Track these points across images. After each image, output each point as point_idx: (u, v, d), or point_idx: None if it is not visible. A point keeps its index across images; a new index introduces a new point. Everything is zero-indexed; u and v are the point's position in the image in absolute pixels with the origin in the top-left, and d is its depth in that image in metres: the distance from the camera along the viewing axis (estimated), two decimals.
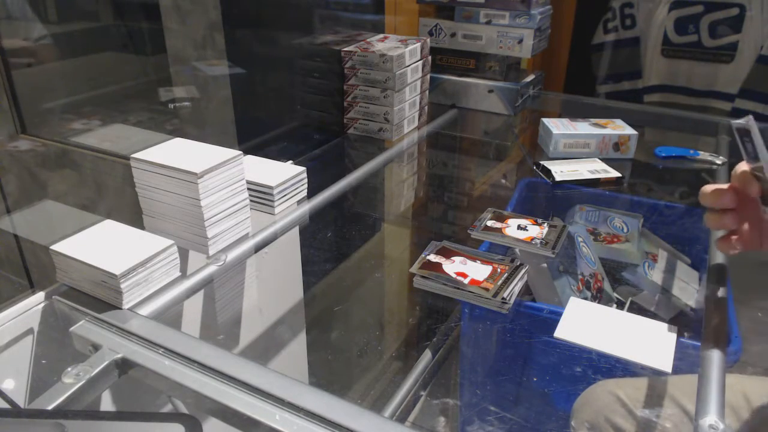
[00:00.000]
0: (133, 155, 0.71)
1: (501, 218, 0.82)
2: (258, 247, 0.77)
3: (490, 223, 0.80)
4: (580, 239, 0.90)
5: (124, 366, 0.56)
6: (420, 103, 1.22)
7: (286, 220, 0.82)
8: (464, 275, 0.70)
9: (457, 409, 0.85)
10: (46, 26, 1.09)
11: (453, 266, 0.72)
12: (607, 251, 1.00)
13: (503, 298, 0.67)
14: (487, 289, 0.68)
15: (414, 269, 0.72)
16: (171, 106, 1.10)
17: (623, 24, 1.71)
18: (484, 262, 0.73)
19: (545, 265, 0.79)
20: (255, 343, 0.97)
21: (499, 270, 0.71)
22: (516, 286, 0.69)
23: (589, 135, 1.12)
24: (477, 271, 0.71)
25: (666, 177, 1.14)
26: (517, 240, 0.77)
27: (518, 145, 1.30)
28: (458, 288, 0.69)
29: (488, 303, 0.68)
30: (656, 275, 0.96)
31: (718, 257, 0.74)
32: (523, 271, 0.72)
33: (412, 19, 1.36)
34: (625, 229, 1.02)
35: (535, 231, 0.78)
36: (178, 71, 1.03)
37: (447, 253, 0.75)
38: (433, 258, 0.74)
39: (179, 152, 0.71)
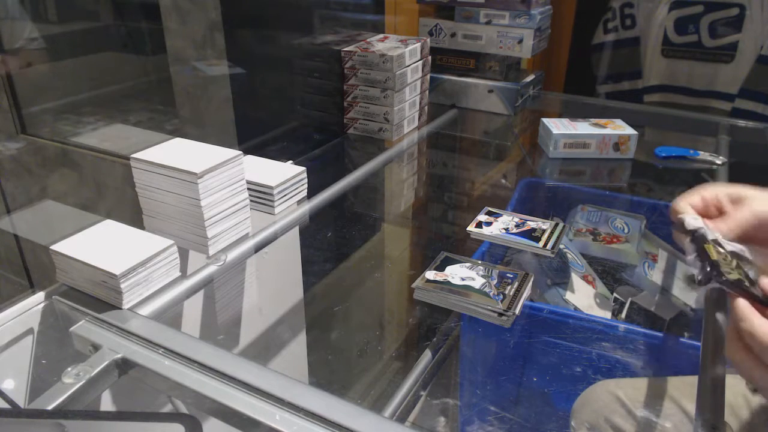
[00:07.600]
0: (133, 155, 0.71)
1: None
2: (258, 247, 0.77)
3: None
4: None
5: (124, 366, 0.56)
6: (420, 103, 1.22)
7: (286, 220, 0.82)
8: (467, 294, 0.69)
9: (457, 409, 0.85)
10: (46, 26, 1.09)
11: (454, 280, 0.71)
12: (606, 251, 0.99)
13: (507, 316, 0.66)
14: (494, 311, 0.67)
15: (417, 284, 0.70)
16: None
17: (623, 24, 1.70)
18: (487, 271, 0.72)
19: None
20: (255, 343, 0.97)
21: (506, 285, 0.70)
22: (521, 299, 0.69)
23: (589, 135, 1.12)
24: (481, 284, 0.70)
25: (666, 177, 1.14)
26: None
27: (518, 145, 1.30)
28: (465, 305, 0.68)
29: (494, 320, 0.67)
30: (656, 275, 0.96)
31: None
32: (528, 283, 0.71)
33: (412, 19, 1.36)
34: (626, 230, 1.02)
35: None
36: (178, 71, 1.03)
37: (446, 267, 0.74)
38: (433, 276, 0.72)
39: (179, 152, 0.71)
